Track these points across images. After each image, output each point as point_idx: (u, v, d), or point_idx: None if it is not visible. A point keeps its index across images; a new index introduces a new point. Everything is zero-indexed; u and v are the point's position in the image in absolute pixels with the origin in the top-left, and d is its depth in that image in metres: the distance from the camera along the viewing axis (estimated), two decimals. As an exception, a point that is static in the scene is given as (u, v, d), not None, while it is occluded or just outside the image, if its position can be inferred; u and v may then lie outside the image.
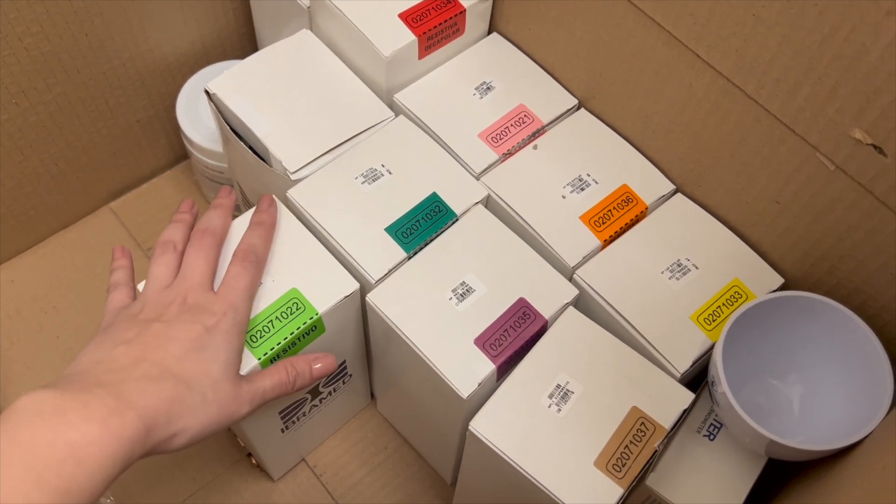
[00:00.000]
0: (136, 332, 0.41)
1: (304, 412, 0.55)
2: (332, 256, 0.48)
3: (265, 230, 0.48)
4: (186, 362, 0.41)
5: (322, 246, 0.49)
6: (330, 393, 0.56)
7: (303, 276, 0.47)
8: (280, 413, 0.52)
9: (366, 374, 0.59)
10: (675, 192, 0.53)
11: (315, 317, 0.46)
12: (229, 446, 0.63)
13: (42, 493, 0.33)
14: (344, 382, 0.56)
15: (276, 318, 0.45)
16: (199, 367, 0.41)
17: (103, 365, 0.39)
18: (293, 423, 0.55)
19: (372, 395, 0.64)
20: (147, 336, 0.41)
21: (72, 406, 0.36)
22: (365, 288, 0.48)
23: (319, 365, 0.47)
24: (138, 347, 0.41)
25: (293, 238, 0.49)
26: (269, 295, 0.46)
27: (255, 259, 0.46)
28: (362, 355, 0.56)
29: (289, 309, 0.46)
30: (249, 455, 0.62)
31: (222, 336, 0.42)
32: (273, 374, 0.45)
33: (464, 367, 0.45)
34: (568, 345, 0.46)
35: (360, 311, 0.50)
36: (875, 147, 0.40)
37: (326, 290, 0.47)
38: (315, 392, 0.54)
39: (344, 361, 0.54)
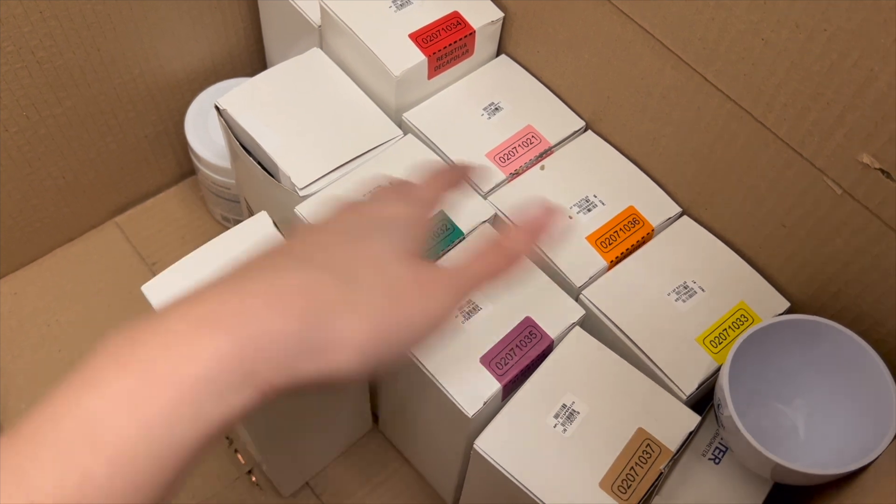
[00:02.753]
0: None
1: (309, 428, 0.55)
2: None
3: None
4: (334, 248, 0.29)
5: None
6: (333, 414, 0.56)
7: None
8: (290, 424, 0.52)
9: (366, 395, 0.59)
10: (681, 215, 0.53)
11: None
12: (229, 464, 0.62)
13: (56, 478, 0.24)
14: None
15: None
16: (353, 253, 0.29)
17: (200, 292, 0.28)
18: (300, 437, 0.55)
19: (374, 417, 0.64)
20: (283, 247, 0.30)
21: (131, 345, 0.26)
22: (371, 305, 0.48)
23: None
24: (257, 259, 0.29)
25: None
26: None
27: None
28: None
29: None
30: (250, 472, 0.62)
31: (400, 223, 0.32)
32: (478, 256, 0.33)
33: (469, 386, 0.45)
34: (574, 365, 0.46)
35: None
36: (883, 172, 0.40)
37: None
38: (318, 411, 0.54)
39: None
